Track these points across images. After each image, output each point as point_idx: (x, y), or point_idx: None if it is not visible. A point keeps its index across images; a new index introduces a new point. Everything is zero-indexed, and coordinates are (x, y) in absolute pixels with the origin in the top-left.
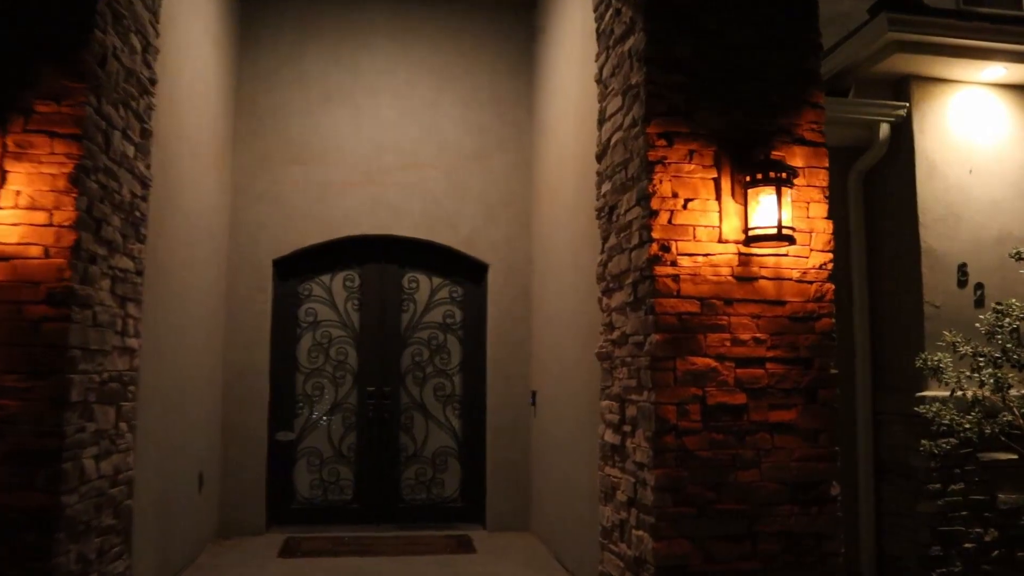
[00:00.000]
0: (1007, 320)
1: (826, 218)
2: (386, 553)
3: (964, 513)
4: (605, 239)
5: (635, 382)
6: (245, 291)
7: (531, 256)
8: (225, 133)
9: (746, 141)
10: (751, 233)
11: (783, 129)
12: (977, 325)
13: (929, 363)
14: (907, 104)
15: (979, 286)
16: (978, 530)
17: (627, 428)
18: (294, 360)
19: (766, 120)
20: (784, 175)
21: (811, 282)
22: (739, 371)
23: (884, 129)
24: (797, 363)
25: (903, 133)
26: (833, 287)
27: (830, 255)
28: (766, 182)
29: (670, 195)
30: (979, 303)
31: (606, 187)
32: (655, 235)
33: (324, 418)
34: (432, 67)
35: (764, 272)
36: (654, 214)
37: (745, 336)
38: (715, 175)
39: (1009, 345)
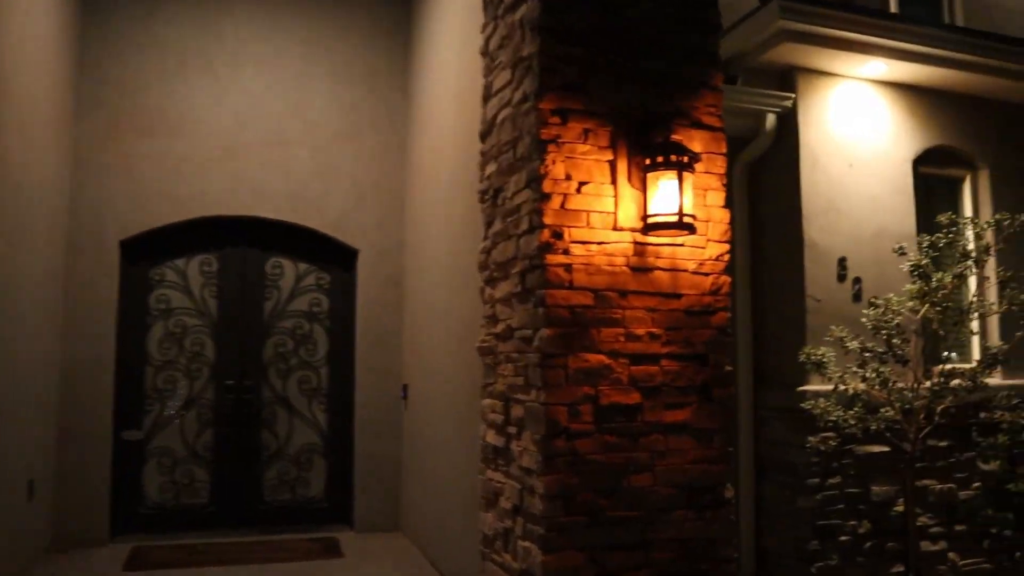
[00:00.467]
0: (890, 315)
1: (723, 207)
2: (246, 561)
3: (841, 506)
4: (489, 224)
5: (522, 380)
6: (87, 276)
7: (404, 242)
8: (66, 100)
9: (644, 122)
10: (650, 220)
11: (682, 112)
12: (864, 320)
13: (812, 357)
14: (793, 95)
15: (857, 280)
16: (853, 523)
17: (512, 430)
18: (143, 352)
19: (665, 101)
20: (686, 159)
21: (707, 274)
22: (633, 368)
23: (771, 120)
24: (693, 359)
25: (788, 125)
26: (730, 280)
27: (727, 246)
28: (667, 166)
29: (563, 177)
30: (857, 297)
31: (491, 168)
32: (547, 220)
33: (177, 415)
34: (301, 37)
35: (660, 263)
36: (546, 198)
37: (640, 331)
38: (611, 157)
39: (896, 340)
